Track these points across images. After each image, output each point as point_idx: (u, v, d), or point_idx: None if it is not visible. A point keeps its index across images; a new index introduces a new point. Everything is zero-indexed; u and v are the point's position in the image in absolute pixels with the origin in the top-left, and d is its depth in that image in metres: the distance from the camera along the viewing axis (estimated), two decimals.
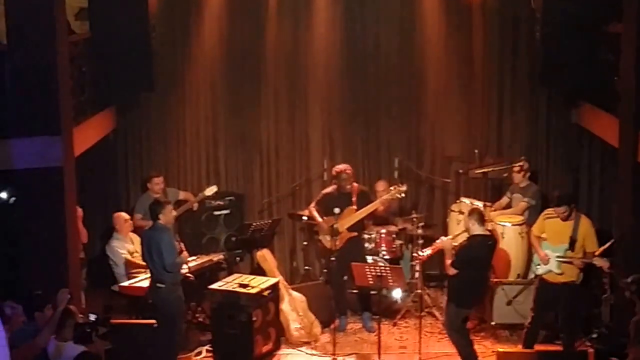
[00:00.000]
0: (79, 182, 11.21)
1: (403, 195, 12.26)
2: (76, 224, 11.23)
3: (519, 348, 11.25)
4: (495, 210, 12.96)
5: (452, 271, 10.58)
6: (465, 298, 10.70)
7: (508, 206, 13.08)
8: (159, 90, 13.87)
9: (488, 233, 10.86)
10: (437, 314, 12.52)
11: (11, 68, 10.27)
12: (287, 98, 14.22)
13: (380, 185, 13.25)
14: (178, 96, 14.15)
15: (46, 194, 10.31)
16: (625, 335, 9.75)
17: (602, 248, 10.87)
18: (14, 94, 10.27)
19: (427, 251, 11.40)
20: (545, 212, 11.13)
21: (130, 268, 12.18)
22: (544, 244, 10.89)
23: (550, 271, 10.79)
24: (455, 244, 10.95)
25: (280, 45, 14.05)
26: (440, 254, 11.19)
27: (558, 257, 10.68)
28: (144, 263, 11.22)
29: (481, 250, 10.63)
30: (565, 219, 10.73)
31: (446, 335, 11.41)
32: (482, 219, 10.65)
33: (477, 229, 10.56)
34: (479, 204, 12.73)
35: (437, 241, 11.08)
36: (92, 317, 8.74)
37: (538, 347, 11.09)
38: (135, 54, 13.16)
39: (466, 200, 13.02)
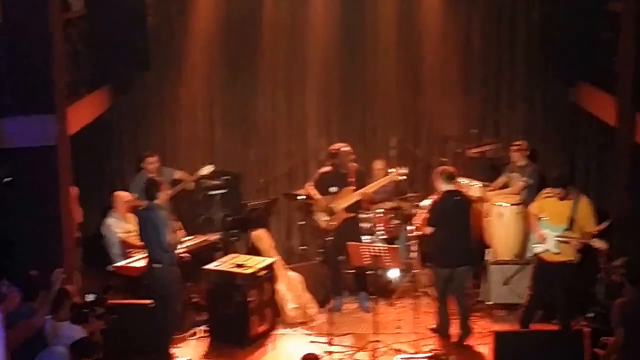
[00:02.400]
0: (73, 162, 11.15)
1: (404, 177, 12.21)
2: (71, 203, 11.17)
3: (515, 328, 11.25)
4: (493, 190, 12.93)
5: (428, 230, 11.04)
6: (444, 256, 11.07)
7: (506, 186, 13.04)
8: (154, 69, 13.80)
9: (456, 189, 11.14)
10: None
11: (5, 47, 10.19)
12: (284, 77, 14.15)
13: (378, 164, 13.20)
14: (174, 75, 14.08)
15: (40, 173, 10.26)
16: None
17: (598, 228, 10.86)
18: (8, 73, 10.19)
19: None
20: (544, 191, 11.10)
21: (126, 248, 12.14)
22: (542, 223, 10.86)
23: (548, 250, 10.78)
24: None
25: (277, 24, 13.97)
26: None
27: (557, 236, 10.66)
28: (139, 243, 11.20)
29: (449, 203, 10.97)
30: (562, 199, 10.70)
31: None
32: (450, 178, 11.07)
33: (444, 186, 11.00)
34: (477, 184, 12.70)
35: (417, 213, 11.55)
36: (90, 298, 8.70)
37: (534, 327, 11.11)
38: (131, 33, 13.11)
39: (464, 180, 12.97)
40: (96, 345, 8.35)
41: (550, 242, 10.71)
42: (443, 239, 11.05)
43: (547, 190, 10.98)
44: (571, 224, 10.59)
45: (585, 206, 10.69)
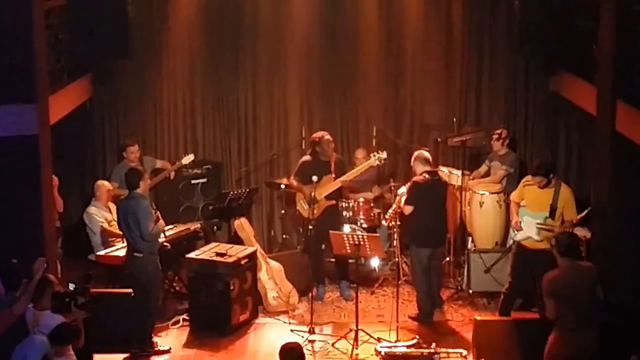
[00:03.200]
0: (54, 151, 11.12)
1: (383, 162, 12.22)
2: (52, 192, 11.13)
3: (496, 316, 11.30)
4: (473, 179, 12.97)
5: (408, 209, 11.35)
6: (424, 236, 11.40)
7: (487, 174, 13.10)
8: (135, 58, 13.75)
9: (433, 170, 11.53)
10: None
11: None
12: (265, 66, 14.12)
13: (360, 153, 13.25)
14: (155, 64, 14.04)
15: (21, 162, 10.20)
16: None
17: (579, 216, 10.91)
18: None
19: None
20: (525, 179, 11.14)
21: (108, 236, 12.14)
22: (523, 211, 10.90)
23: (529, 237, 10.82)
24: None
25: (258, 13, 13.93)
26: None
27: (538, 224, 10.70)
28: (120, 232, 11.20)
29: (428, 184, 11.36)
30: (543, 187, 10.74)
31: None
32: (426, 161, 11.47)
33: (422, 168, 11.43)
34: (458, 173, 12.74)
35: (395, 201, 11.73)
36: (71, 287, 8.68)
37: (514, 315, 11.15)
38: (112, 22, 13.06)
39: (445, 169, 13.02)
40: (75, 331, 8.31)
41: (532, 229, 10.75)
42: (424, 218, 11.37)
43: (528, 178, 11.02)
44: (553, 212, 10.63)
45: (566, 194, 10.73)
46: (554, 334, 9.12)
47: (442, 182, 11.74)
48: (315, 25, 13.93)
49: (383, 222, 12.82)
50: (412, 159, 11.64)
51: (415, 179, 11.50)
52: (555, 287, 9.01)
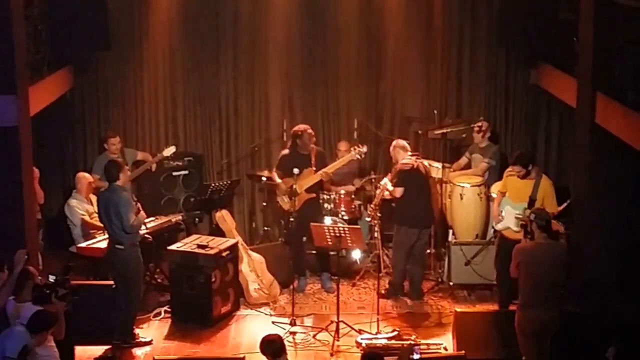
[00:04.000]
0: (35, 142, 11.10)
1: (363, 156, 12.24)
2: (33, 184, 11.11)
3: (477, 308, 11.37)
4: (454, 171, 13.01)
5: (399, 192, 11.68)
6: (415, 217, 11.76)
7: (467, 166, 13.13)
8: (116, 50, 13.71)
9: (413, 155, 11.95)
10: None
11: None
12: (247, 58, 14.08)
13: (342, 145, 13.26)
14: (136, 56, 13.98)
15: (2, 154, 10.19)
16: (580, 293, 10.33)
17: (559, 208, 10.97)
18: None
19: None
20: (508, 169, 11.21)
21: (88, 229, 12.11)
22: (505, 201, 11.01)
23: (508, 228, 10.90)
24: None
25: (239, 5, 13.88)
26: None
27: (517, 215, 10.75)
28: (101, 224, 11.20)
29: (413, 167, 11.75)
30: (522, 178, 10.80)
31: (404, 296, 11.99)
32: (405, 149, 11.88)
33: (402, 155, 11.82)
34: (438, 166, 12.76)
35: (377, 193, 12.05)
36: (52, 279, 8.67)
37: (495, 307, 11.21)
38: (92, 13, 13.02)
39: (425, 162, 13.01)
40: (51, 317, 8.30)
41: (511, 220, 10.84)
42: (415, 201, 11.71)
43: (510, 168, 11.08)
44: (532, 203, 10.68)
45: (546, 186, 10.79)
46: (517, 312, 9.43)
47: (424, 166, 12.04)
48: (297, 17, 13.89)
49: (367, 215, 12.83)
50: (392, 148, 11.93)
51: (401, 165, 11.73)
52: (523, 259, 9.32)
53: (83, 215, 12.19)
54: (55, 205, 13.37)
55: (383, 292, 11.86)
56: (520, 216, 10.67)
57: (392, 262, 12.18)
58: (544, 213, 9.54)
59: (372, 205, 12.09)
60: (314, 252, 12.48)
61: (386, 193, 11.87)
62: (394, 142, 12.03)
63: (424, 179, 11.93)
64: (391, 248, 12.23)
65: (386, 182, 11.82)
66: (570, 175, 12.10)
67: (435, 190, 12.57)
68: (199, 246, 11.52)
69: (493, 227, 11.79)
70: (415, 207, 11.76)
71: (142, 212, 10.87)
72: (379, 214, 12.04)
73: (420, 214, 11.82)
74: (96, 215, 11.70)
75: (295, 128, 12.37)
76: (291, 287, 11.83)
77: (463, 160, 13.22)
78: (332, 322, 11.04)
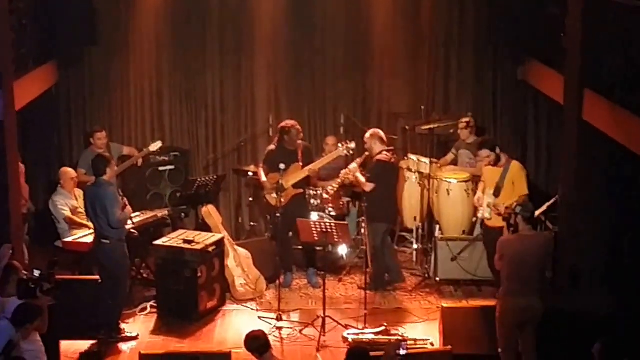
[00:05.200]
0: (20, 137, 11.04)
1: (351, 152, 12.20)
2: (18, 178, 11.06)
3: (463, 303, 11.36)
4: (441, 167, 12.99)
5: (369, 187, 11.75)
6: (384, 212, 11.90)
7: (454, 162, 13.12)
8: (102, 44, 13.67)
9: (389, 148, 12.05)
10: None
11: None
12: (233, 53, 14.06)
13: (331, 140, 13.22)
14: (122, 50, 13.93)
15: None
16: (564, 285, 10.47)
17: (546, 205, 11.03)
18: None
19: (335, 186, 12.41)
20: (478, 157, 11.47)
21: (72, 225, 12.07)
22: (487, 191, 11.16)
23: (485, 217, 11.17)
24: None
25: (226, 0, 13.87)
26: None
27: (488, 203, 10.94)
28: (84, 222, 11.19)
29: (389, 161, 11.85)
30: (494, 164, 11.01)
31: (391, 291, 12.05)
32: (382, 140, 11.95)
33: (379, 147, 11.89)
34: (426, 161, 12.74)
35: (341, 174, 12.13)
36: (37, 273, 8.63)
37: (481, 302, 11.21)
38: (78, 7, 13.01)
39: (413, 157, 13.04)
40: (34, 309, 8.27)
41: (485, 208, 11.01)
42: (384, 195, 11.84)
43: (479, 157, 11.36)
44: (498, 190, 10.83)
45: (514, 170, 11.00)
46: (499, 302, 9.47)
47: (396, 159, 12.21)
48: (283, 12, 13.86)
49: (324, 194, 12.71)
50: (369, 137, 11.97)
51: (380, 157, 11.81)
52: (507, 251, 9.37)
53: (65, 211, 12.11)
54: (41, 200, 13.30)
55: (363, 285, 11.82)
56: (490, 203, 10.93)
57: (373, 258, 12.02)
58: (529, 205, 9.56)
59: (332, 187, 12.15)
60: (300, 247, 12.46)
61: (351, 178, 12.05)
62: (371, 131, 12.07)
63: (397, 174, 12.20)
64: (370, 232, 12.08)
65: (355, 167, 11.94)
66: (558, 171, 12.11)
67: (422, 187, 12.60)
68: (185, 241, 11.48)
69: (475, 219, 11.95)
70: (387, 202, 11.98)
71: (129, 207, 10.85)
72: (364, 204, 11.92)
73: (389, 208, 12.11)
74: (81, 210, 11.66)
75: (283, 123, 12.34)
76: (277, 282, 11.81)
77: (449, 156, 13.20)
78: (318, 317, 11.02)
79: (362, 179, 11.80)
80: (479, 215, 11.39)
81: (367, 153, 12.03)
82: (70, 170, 12.49)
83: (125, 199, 10.82)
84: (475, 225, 12.30)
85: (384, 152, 11.83)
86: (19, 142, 10.94)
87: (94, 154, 12.04)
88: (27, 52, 12.06)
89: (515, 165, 11.04)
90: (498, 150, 11.04)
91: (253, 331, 8.48)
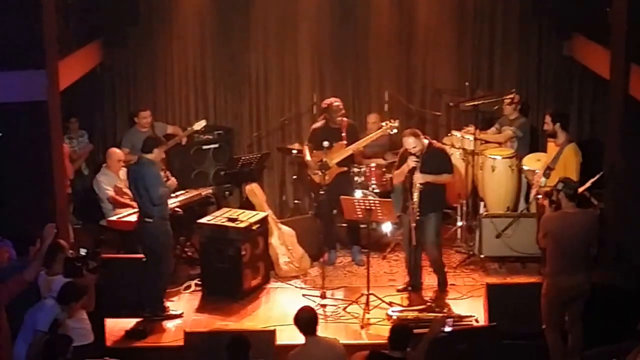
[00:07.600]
0: (64, 117, 11.10)
1: (395, 130, 12.13)
2: (62, 158, 11.14)
3: (507, 280, 11.30)
4: (485, 136, 12.86)
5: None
6: (441, 198, 11.27)
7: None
8: (146, 24, 13.72)
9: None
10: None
11: None
12: (277, 31, 14.04)
13: (372, 118, 13.18)
14: (165, 29, 13.97)
15: (31, 128, 10.24)
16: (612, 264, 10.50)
17: (590, 181, 10.91)
18: None
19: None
20: None
21: (115, 204, 12.14)
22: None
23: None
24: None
25: None
26: None
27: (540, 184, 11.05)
28: (128, 201, 11.26)
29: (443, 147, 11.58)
30: (549, 135, 11.09)
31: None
32: (417, 135, 10.95)
33: (423, 138, 11.01)
34: (470, 137, 12.63)
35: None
36: (83, 252, 8.71)
37: (526, 279, 11.16)
38: None
39: (457, 134, 12.97)
40: (80, 288, 8.33)
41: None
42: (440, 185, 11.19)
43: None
44: (549, 171, 10.76)
45: (567, 155, 10.90)
46: (545, 280, 9.44)
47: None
48: None
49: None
50: (413, 138, 10.94)
51: (437, 145, 11.33)
52: (550, 229, 9.32)
53: (109, 191, 12.19)
54: (86, 179, 13.38)
55: (401, 287, 11.56)
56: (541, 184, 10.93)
57: (437, 261, 11.53)
58: (572, 182, 9.49)
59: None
60: (344, 225, 12.45)
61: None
62: (409, 131, 11.10)
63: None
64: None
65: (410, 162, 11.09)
66: (604, 148, 12.00)
67: (467, 163, 12.54)
68: (229, 219, 11.51)
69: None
70: (441, 191, 11.26)
71: (173, 179, 10.90)
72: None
73: (444, 196, 11.49)
74: (125, 190, 11.74)
75: (324, 102, 12.33)
76: (321, 260, 11.82)
77: (491, 131, 13.12)
78: (362, 294, 11.01)
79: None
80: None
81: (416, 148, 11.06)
82: (118, 152, 12.54)
83: (168, 172, 10.86)
84: (520, 202, 12.23)
85: (431, 140, 11.28)
86: (63, 122, 10.99)
87: (137, 133, 12.12)
88: (72, 32, 12.12)
89: (570, 148, 10.89)
90: (558, 126, 10.93)
91: (305, 306, 8.54)
